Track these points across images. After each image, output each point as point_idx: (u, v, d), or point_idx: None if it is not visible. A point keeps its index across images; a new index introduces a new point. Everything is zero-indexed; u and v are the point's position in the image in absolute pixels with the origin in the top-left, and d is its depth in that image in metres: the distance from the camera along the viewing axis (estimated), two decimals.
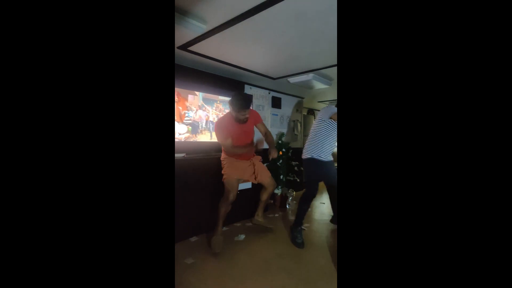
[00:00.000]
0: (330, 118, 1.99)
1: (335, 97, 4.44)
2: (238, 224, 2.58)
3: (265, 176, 2.17)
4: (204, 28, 1.70)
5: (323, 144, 2.04)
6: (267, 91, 3.59)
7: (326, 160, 2.06)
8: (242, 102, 1.88)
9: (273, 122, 3.71)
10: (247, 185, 2.73)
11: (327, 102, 4.84)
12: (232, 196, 1.96)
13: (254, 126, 2.11)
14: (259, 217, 2.31)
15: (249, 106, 1.94)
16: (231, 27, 1.69)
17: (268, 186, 2.19)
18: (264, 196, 2.25)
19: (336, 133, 2.04)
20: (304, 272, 1.63)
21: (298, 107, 4.22)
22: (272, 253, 1.91)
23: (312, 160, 2.05)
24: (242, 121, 1.96)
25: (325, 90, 3.72)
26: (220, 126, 1.94)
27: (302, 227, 2.09)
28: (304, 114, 5.37)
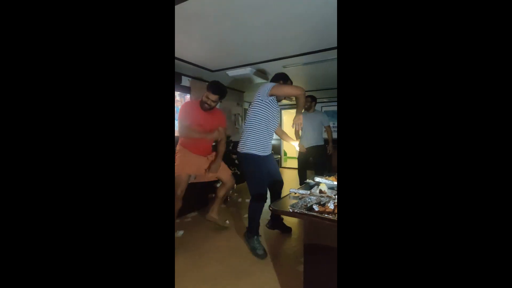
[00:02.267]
0: (270, 94, 1.68)
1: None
2: (177, 221, 2.48)
3: (225, 173, 2.09)
4: None
5: (264, 134, 1.77)
6: (205, 84, 3.50)
7: (267, 154, 1.85)
8: (214, 87, 1.85)
9: None
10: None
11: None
12: (180, 192, 1.87)
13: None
14: (214, 213, 2.13)
15: (218, 94, 1.89)
16: None
17: (227, 181, 2.10)
18: (222, 192, 2.12)
19: (278, 114, 1.88)
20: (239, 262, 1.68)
21: (238, 101, 4.25)
22: (213, 246, 1.91)
23: (252, 157, 1.77)
24: (205, 107, 1.91)
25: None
26: (184, 108, 1.92)
27: (259, 235, 1.85)
28: (245, 108, 5.46)
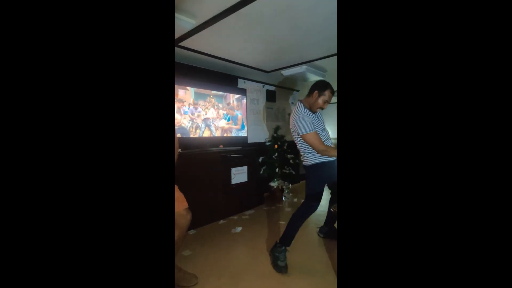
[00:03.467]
0: (299, 135, 1.61)
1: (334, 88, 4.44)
2: (235, 217, 2.62)
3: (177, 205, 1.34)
4: (193, 23, 1.69)
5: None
6: (261, 85, 3.59)
7: (330, 160, 1.68)
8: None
9: (268, 115, 3.73)
10: (243, 178, 2.76)
11: None
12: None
13: None
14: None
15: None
16: (220, 21, 1.69)
17: (178, 218, 1.32)
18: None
19: (327, 136, 1.71)
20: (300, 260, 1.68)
21: (293, 100, 4.22)
22: (268, 245, 1.96)
23: (316, 165, 1.64)
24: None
25: None
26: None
27: (287, 248, 1.64)
28: (302, 104, 5.38)
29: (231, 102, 2.97)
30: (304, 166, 1.72)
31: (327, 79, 3.51)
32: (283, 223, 2.40)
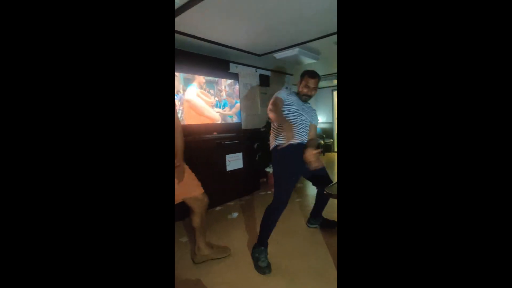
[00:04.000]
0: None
1: (325, 72, 4.38)
2: (231, 203, 2.63)
3: (191, 190, 1.45)
4: (177, 2, 1.61)
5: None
6: (253, 69, 3.51)
7: (301, 142, 1.57)
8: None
9: (262, 101, 3.67)
10: (239, 165, 2.76)
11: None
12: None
13: None
14: (202, 250, 1.55)
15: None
16: (208, 0, 1.61)
17: (195, 205, 1.47)
18: (196, 222, 1.51)
19: (302, 123, 1.60)
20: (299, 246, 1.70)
21: (287, 85, 4.16)
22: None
23: (280, 149, 1.50)
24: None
25: (314, 66, 3.65)
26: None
27: (266, 246, 1.52)
28: (293, 92, 5.32)
29: (223, 88, 2.90)
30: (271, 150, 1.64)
31: (321, 62, 3.47)
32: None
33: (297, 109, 1.59)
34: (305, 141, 1.61)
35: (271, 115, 1.46)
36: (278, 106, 1.50)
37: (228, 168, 2.64)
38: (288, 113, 1.56)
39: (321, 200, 1.94)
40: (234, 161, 2.71)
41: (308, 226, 2.03)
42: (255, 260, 1.49)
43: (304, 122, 1.61)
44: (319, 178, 1.73)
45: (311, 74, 1.61)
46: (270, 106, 1.49)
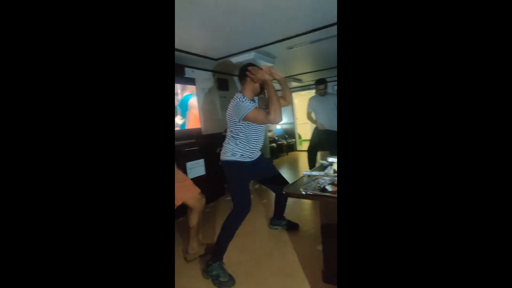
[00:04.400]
0: (244, 120, 1.44)
1: (285, 75, 4.52)
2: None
3: (189, 193, 1.58)
4: None
5: (245, 141, 1.53)
6: (210, 73, 3.46)
7: (253, 159, 1.59)
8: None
9: (222, 104, 3.64)
10: (201, 172, 2.68)
11: (276, 81, 4.90)
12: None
13: None
14: (194, 249, 1.68)
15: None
16: None
17: (194, 205, 1.61)
18: (193, 221, 1.63)
19: (262, 132, 1.58)
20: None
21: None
22: None
23: (234, 164, 1.52)
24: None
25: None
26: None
27: (222, 262, 1.48)
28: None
29: (178, 93, 2.81)
30: (223, 161, 1.54)
31: (277, 66, 3.56)
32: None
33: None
34: (259, 152, 1.64)
35: (278, 114, 1.40)
36: (266, 113, 1.43)
37: (189, 176, 2.55)
38: (250, 130, 1.52)
39: (279, 201, 1.95)
40: (196, 168, 2.63)
41: (270, 227, 2.05)
42: (215, 277, 1.41)
43: (261, 133, 1.59)
44: (272, 179, 1.75)
45: (252, 66, 1.54)
46: (270, 117, 1.40)
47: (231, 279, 1.41)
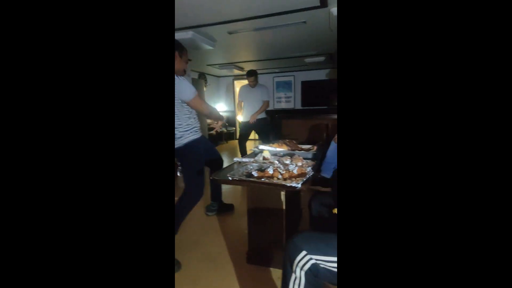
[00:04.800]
0: (187, 104, 1.44)
1: (225, 61, 4.43)
2: None
3: None
4: None
5: (192, 119, 1.53)
6: None
7: (200, 135, 1.58)
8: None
9: None
10: None
11: (217, 66, 4.77)
12: None
13: None
14: None
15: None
16: None
17: None
18: None
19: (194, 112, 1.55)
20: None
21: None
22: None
23: (191, 143, 1.49)
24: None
25: (213, 53, 3.61)
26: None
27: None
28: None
29: None
30: (177, 148, 1.46)
31: (217, 50, 3.46)
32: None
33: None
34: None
35: (216, 115, 1.50)
36: (205, 103, 1.48)
37: None
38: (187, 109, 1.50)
39: (214, 184, 1.96)
40: None
41: (207, 214, 2.03)
42: None
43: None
44: (213, 162, 1.77)
45: (178, 48, 1.47)
46: (209, 109, 1.46)
47: (177, 264, 1.37)
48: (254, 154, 1.65)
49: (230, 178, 1.15)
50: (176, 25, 2.45)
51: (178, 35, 2.59)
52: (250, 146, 3.58)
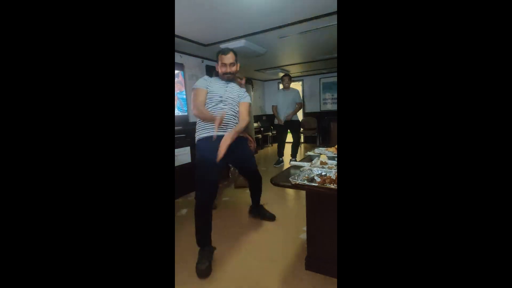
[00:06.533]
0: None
1: (272, 65, 4.49)
2: (179, 200, 2.53)
3: None
4: None
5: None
6: (200, 60, 3.37)
7: (220, 133, 1.44)
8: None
9: None
10: (187, 159, 2.64)
11: (266, 71, 4.86)
12: None
13: None
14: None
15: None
16: None
17: None
18: None
19: (218, 103, 1.54)
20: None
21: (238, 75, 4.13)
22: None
23: (200, 141, 1.51)
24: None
25: (262, 58, 3.70)
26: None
27: (212, 247, 1.46)
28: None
29: None
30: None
31: (268, 56, 3.53)
32: (226, 199, 2.43)
33: (220, 97, 1.54)
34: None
35: (195, 112, 1.47)
36: (198, 102, 1.48)
37: (176, 164, 2.52)
38: (210, 104, 1.53)
39: (252, 190, 1.94)
40: (181, 156, 2.59)
41: (249, 216, 2.06)
42: (197, 261, 1.38)
43: (227, 110, 1.54)
44: (246, 169, 1.83)
45: (223, 51, 1.57)
46: (192, 106, 1.49)
47: (207, 270, 1.34)
48: (310, 158, 1.63)
49: (292, 182, 1.16)
50: (231, 35, 2.59)
51: (231, 44, 2.73)
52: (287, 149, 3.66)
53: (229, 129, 1.50)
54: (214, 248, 1.48)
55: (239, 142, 1.58)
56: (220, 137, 1.43)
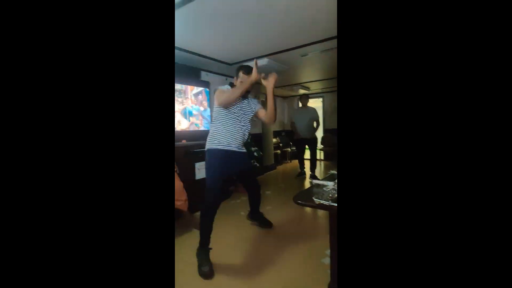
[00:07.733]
0: (218, 105, 1.59)
1: (294, 82, 4.55)
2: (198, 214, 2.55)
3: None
4: None
5: (222, 127, 1.59)
6: (224, 78, 3.51)
7: (231, 149, 1.61)
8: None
9: None
10: None
11: (286, 87, 4.94)
12: None
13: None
14: None
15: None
16: (180, 8, 1.59)
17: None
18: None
19: (235, 119, 1.61)
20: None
21: (256, 93, 4.23)
22: (228, 238, 1.95)
23: (212, 151, 1.59)
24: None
25: (283, 75, 3.78)
26: None
27: (209, 247, 1.55)
28: (262, 100, 5.41)
29: (189, 97, 2.84)
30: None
31: (290, 73, 3.60)
32: (243, 214, 2.42)
33: (240, 113, 1.64)
34: (240, 149, 1.68)
35: (222, 100, 1.52)
36: (225, 95, 1.54)
37: (197, 177, 2.57)
38: (224, 118, 1.61)
39: (252, 197, 2.04)
40: (204, 169, 2.65)
41: (249, 220, 2.16)
42: (199, 265, 1.48)
43: (233, 120, 1.62)
44: (247, 178, 1.94)
45: (246, 70, 1.62)
46: (217, 102, 1.57)
47: (211, 272, 1.43)
48: (333, 177, 1.61)
49: (316, 202, 1.15)
50: (255, 54, 2.69)
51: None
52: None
53: (240, 144, 1.67)
54: (210, 248, 1.57)
55: (242, 157, 1.72)
56: (229, 153, 1.60)
